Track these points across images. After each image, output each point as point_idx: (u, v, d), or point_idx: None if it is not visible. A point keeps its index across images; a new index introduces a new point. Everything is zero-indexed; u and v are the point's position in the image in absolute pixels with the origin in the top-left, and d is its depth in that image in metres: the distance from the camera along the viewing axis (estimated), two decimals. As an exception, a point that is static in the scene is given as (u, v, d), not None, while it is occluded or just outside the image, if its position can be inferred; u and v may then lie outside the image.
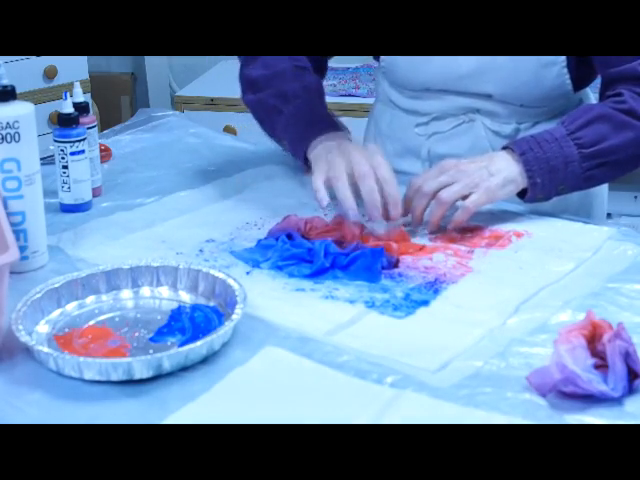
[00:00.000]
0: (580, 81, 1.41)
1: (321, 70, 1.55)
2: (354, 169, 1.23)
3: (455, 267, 1.19)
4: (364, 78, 3.03)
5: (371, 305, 1.10)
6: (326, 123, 1.36)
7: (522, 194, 1.30)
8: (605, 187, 1.55)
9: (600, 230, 1.28)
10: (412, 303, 1.10)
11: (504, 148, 1.30)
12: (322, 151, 1.30)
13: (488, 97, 1.42)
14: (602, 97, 1.36)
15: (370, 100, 2.89)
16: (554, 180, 1.27)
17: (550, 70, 1.38)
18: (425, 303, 1.10)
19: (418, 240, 1.26)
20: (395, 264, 1.19)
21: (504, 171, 1.26)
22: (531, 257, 1.21)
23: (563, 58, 1.37)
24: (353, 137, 1.36)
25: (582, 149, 1.27)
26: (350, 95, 2.90)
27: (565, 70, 1.38)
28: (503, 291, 1.13)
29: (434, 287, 1.14)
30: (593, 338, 0.94)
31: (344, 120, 3.06)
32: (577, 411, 0.90)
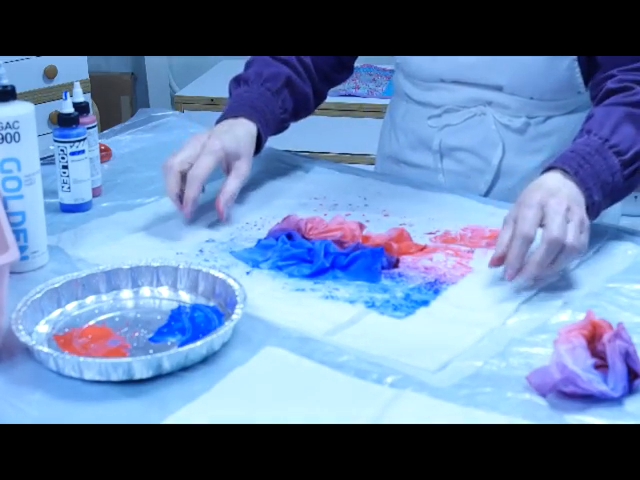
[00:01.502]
0: (590, 75, 1.39)
1: (345, 70, 1.55)
2: None
3: (455, 267, 1.19)
4: (364, 78, 3.04)
5: (371, 305, 1.10)
6: (238, 111, 1.38)
7: None
8: None
9: (600, 230, 1.28)
10: (412, 303, 1.10)
11: (548, 169, 1.18)
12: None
13: (499, 89, 1.42)
14: (597, 86, 1.32)
15: (370, 100, 2.92)
16: (606, 194, 1.19)
17: (561, 62, 1.37)
18: (425, 303, 1.11)
19: (418, 240, 1.26)
20: (395, 264, 1.19)
21: (578, 197, 1.14)
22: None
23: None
24: (252, 128, 1.36)
25: (621, 156, 1.19)
26: (350, 95, 2.91)
27: (575, 63, 1.38)
28: (503, 291, 1.13)
29: (434, 287, 1.14)
30: (593, 338, 0.94)
31: (344, 120, 3.05)
32: (577, 411, 0.90)
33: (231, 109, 1.40)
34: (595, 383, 0.90)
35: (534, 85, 1.40)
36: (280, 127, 1.47)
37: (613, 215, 1.50)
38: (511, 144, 1.45)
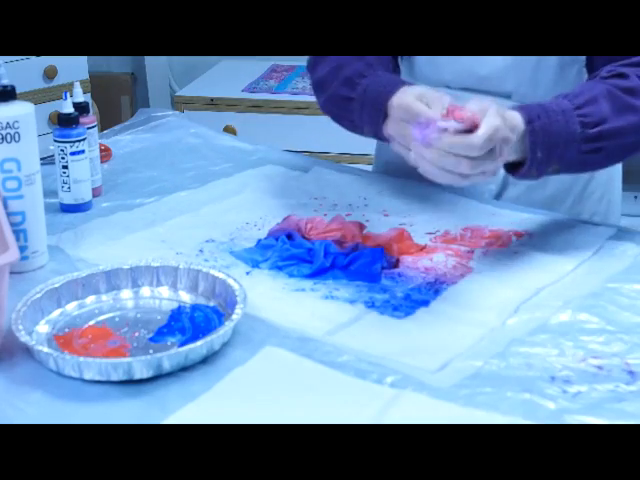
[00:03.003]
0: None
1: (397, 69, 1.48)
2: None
3: (455, 267, 1.19)
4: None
5: (371, 305, 1.10)
6: (394, 87, 1.21)
7: (511, 168, 1.17)
8: (619, 188, 1.52)
9: (600, 230, 1.28)
10: (412, 303, 1.10)
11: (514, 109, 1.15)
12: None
13: (507, 96, 1.39)
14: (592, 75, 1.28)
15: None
16: (551, 157, 1.14)
17: (570, 70, 1.36)
18: (425, 303, 1.10)
19: (418, 240, 1.26)
20: (395, 264, 1.19)
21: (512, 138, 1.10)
22: (531, 257, 1.21)
23: (583, 58, 1.34)
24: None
25: (586, 128, 1.15)
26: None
27: (584, 70, 1.36)
28: (503, 291, 1.13)
29: (434, 287, 1.14)
30: None
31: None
32: (577, 411, 0.90)
33: (381, 92, 1.22)
34: None
35: (543, 92, 1.37)
36: None
37: (613, 215, 1.50)
38: None
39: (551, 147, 1.14)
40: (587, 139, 1.16)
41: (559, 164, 1.17)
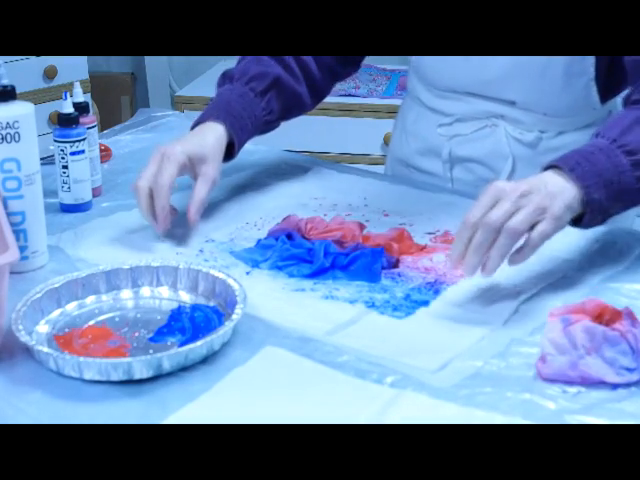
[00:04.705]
0: (607, 92, 1.38)
1: (351, 64, 1.51)
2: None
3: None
4: (364, 78, 3.03)
5: (371, 305, 1.10)
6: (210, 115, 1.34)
7: (577, 221, 1.12)
8: None
9: (599, 229, 1.27)
10: (412, 303, 1.10)
11: (547, 168, 1.13)
12: None
13: (512, 104, 1.40)
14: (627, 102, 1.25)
15: (370, 100, 2.92)
16: (611, 195, 1.10)
17: (577, 82, 1.35)
18: (425, 303, 1.11)
19: (418, 240, 1.26)
20: (395, 264, 1.19)
21: (562, 193, 1.08)
22: (531, 257, 1.21)
23: (592, 70, 1.34)
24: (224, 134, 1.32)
25: (631, 156, 1.11)
26: (350, 95, 2.90)
27: (592, 83, 1.35)
28: (503, 291, 1.13)
29: (434, 287, 1.14)
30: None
31: (345, 120, 3.04)
32: (577, 411, 0.90)
33: (206, 112, 1.35)
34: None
35: (548, 102, 1.38)
36: (265, 128, 1.42)
37: (629, 217, 1.49)
38: (521, 157, 1.42)
39: (607, 185, 1.10)
40: (637, 164, 1.12)
41: (621, 199, 1.13)
